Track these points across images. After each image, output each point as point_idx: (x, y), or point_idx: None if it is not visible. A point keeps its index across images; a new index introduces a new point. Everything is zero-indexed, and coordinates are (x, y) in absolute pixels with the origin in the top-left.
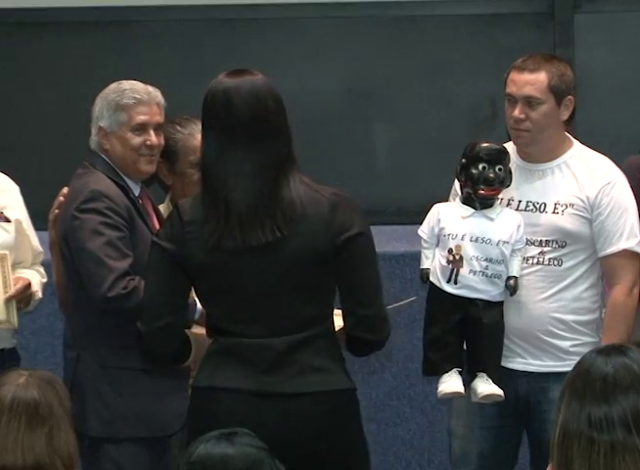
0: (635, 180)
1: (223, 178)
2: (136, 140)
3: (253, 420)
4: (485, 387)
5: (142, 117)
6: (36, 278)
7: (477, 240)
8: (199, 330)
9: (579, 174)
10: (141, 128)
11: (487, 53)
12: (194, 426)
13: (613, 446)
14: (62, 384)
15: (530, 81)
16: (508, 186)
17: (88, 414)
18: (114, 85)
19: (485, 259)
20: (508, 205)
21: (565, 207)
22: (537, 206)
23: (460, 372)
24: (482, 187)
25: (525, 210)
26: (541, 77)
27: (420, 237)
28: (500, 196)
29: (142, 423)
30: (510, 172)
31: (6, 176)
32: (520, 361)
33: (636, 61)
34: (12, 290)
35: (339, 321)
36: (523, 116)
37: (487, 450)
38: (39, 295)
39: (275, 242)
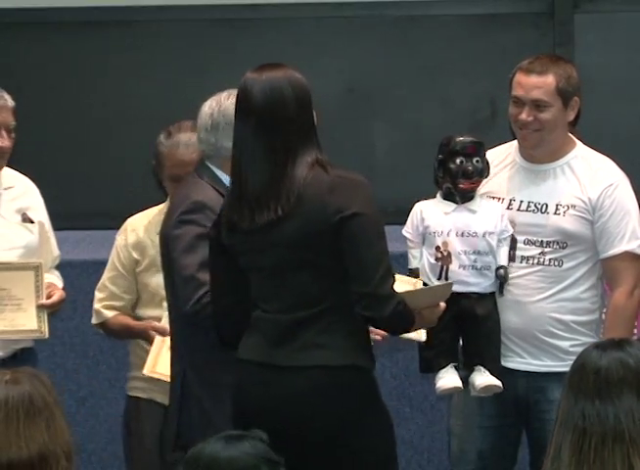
0: None
1: (240, 163)
2: None
3: (259, 390)
4: (483, 379)
5: None
6: (60, 284)
7: (462, 234)
8: None
9: (582, 176)
10: None
11: (487, 53)
12: (232, 396)
13: (603, 439)
14: (46, 377)
15: (539, 85)
16: (486, 177)
17: (195, 430)
18: None
19: (473, 253)
20: (509, 205)
21: (566, 208)
22: (539, 206)
23: (456, 367)
24: (462, 181)
25: (527, 210)
26: (549, 80)
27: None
28: (501, 196)
29: None
30: (487, 163)
31: (27, 178)
32: (519, 361)
33: (636, 60)
34: (47, 300)
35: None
36: (531, 118)
37: (487, 450)
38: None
39: (278, 221)
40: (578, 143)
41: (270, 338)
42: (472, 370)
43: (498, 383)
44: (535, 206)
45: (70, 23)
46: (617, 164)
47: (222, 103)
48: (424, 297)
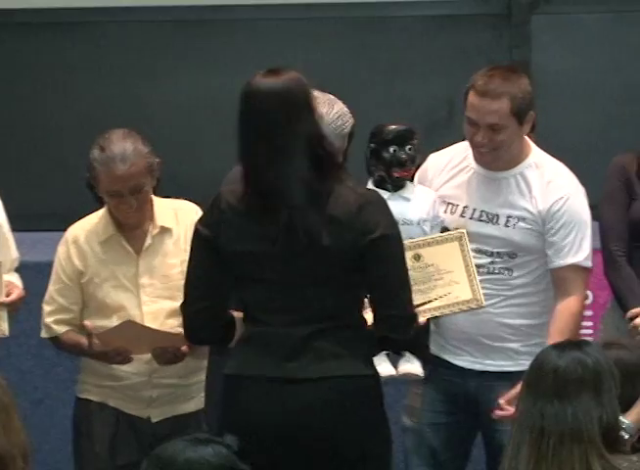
0: (620, 180)
1: (261, 180)
2: None
3: (273, 406)
4: (406, 365)
5: None
6: (20, 284)
7: (397, 222)
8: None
9: (534, 187)
10: None
11: (445, 54)
12: (223, 413)
13: (562, 439)
14: (1, 378)
15: (493, 110)
16: (419, 164)
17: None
18: None
19: (408, 240)
20: (463, 213)
21: (517, 220)
22: (490, 217)
23: (388, 355)
24: (396, 169)
25: (480, 219)
26: (504, 105)
27: None
28: (455, 202)
29: None
30: (417, 149)
31: None
32: (470, 360)
33: (592, 62)
34: (6, 298)
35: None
36: (486, 140)
37: (439, 447)
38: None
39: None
40: (534, 149)
41: (281, 351)
42: (401, 355)
43: (419, 371)
44: (487, 216)
45: (23, 25)
46: (573, 166)
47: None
48: None
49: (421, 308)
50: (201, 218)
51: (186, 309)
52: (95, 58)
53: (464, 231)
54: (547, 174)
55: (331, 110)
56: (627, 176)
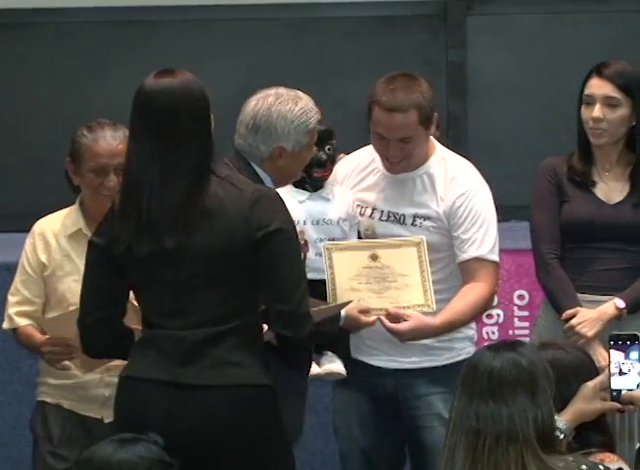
0: (550, 182)
1: (137, 181)
2: None
3: (166, 410)
4: (329, 364)
5: None
6: None
7: (318, 222)
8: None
9: (438, 185)
10: None
11: (380, 55)
12: (117, 415)
13: (497, 439)
14: None
15: (402, 125)
16: (335, 163)
17: None
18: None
19: (329, 240)
20: (372, 215)
21: (423, 219)
22: (397, 217)
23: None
24: (316, 169)
25: (388, 220)
26: (412, 118)
27: None
28: (364, 205)
29: None
30: (336, 149)
31: None
32: (385, 359)
33: (527, 63)
34: None
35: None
36: (398, 153)
37: (370, 448)
38: None
39: (189, 239)
40: (437, 147)
41: (175, 356)
42: (322, 355)
43: (340, 370)
44: (394, 216)
45: None
46: (507, 166)
47: (269, 107)
48: (319, 315)
49: (373, 308)
50: (96, 230)
51: (83, 321)
52: (43, 58)
53: (422, 237)
54: (451, 170)
55: (294, 106)
56: (558, 178)
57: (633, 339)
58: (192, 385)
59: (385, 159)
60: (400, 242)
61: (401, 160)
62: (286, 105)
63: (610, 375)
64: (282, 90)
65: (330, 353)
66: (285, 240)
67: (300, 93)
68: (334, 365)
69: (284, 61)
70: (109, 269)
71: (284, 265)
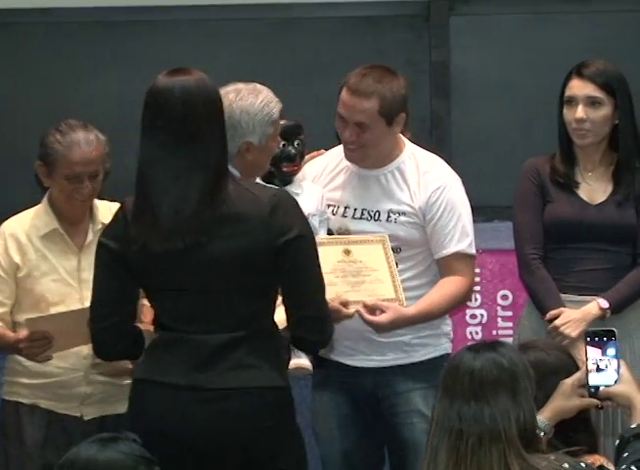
0: (533, 182)
1: (153, 181)
2: None
3: (182, 414)
4: (296, 359)
5: None
6: None
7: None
8: (149, 326)
9: (411, 180)
10: None
11: (363, 55)
12: (130, 417)
13: (480, 440)
14: None
15: (361, 109)
16: (304, 156)
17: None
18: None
19: None
20: (344, 213)
21: (397, 215)
22: (372, 214)
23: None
24: (285, 164)
25: (361, 218)
26: (372, 105)
27: None
28: (336, 204)
29: None
30: (305, 144)
31: None
32: (363, 358)
33: (510, 62)
34: None
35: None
36: (354, 137)
37: (350, 449)
38: None
39: (208, 242)
40: (407, 144)
41: (194, 360)
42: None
43: (308, 365)
44: (368, 213)
45: None
46: (491, 166)
47: (230, 104)
48: None
49: (351, 301)
50: (105, 231)
51: (95, 326)
52: (20, 58)
53: (386, 236)
54: (422, 166)
55: (255, 100)
56: (541, 179)
57: (610, 335)
58: (210, 388)
59: (343, 144)
60: (366, 239)
61: (358, 147)
62: (247, 99)
63: (587, 372)
64: (240, 85)
65: (296, 350)
66: (305, 246)
67: (259, 85)
68: (301, 360)
69: (267, 61)
70: (120, 271)
71: (305, 271)
